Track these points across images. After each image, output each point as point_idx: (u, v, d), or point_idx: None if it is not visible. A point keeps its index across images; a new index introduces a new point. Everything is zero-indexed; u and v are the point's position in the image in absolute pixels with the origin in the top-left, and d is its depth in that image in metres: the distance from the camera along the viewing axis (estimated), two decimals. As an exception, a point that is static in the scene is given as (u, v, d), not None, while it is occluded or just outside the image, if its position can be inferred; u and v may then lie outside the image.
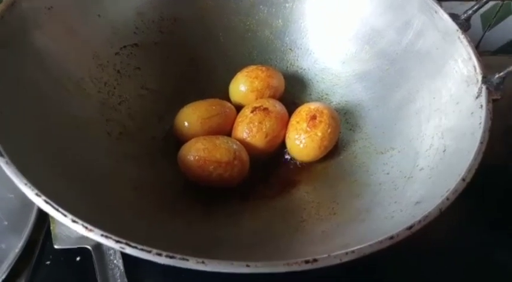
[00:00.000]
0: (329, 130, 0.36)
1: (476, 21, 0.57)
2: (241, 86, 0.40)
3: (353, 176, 0.35)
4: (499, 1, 0.57)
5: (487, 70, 0.31)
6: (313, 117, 0.36)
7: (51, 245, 0.35)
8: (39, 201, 0.22)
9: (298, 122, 0.37)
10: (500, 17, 0.59)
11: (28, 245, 0.34)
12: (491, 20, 0.59)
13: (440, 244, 0.37)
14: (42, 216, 0.36)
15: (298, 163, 0.38)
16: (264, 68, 0.40)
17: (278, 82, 0.41)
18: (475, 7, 0.35)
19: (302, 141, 0.36)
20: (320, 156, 0.37)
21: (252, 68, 0.41)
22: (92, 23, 0.37)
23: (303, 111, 0.37)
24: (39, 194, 0.22)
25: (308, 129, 0.36)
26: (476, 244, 0.38)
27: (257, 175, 0.37)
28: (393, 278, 0.36)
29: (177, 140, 0.37)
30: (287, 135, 0.38)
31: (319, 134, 0.36)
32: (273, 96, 0.40)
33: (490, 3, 0.56)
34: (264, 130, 0.36)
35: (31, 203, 0.36)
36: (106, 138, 0.34)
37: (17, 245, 0.34)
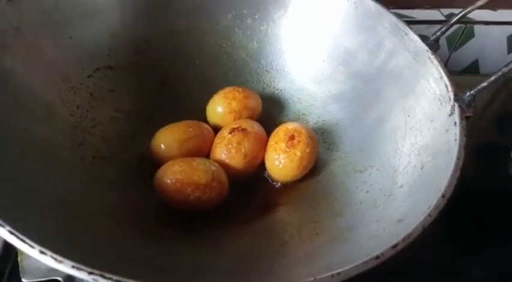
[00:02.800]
0: (308, 150, 0.36)
1: (442, 43, 0.60)
2: (219, 108, 0.40)
3: (333, 195, 0.35)
4: (462, 25, 0.60)
5: (456, 89, 0.32)
6: (292, 137, 0.36)
7: (19, 278, 0.32)
8: (4, 233, 0.20)
9: (276, 143, 0.36)
10: (464, 39, 0.62)
11: (-8, 280, 0.32)
12: (456, 43, 0.62)
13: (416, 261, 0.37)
14: (9, 248, 0.34)
15: (278, 184, 0.38)
16: (240, 89, 0.40)
17: (255, 103, 0.41)
18: (443, 29, 0.36)
19: (281, 161, 0.36)
20: (299, 176, 0.37)
21: (229, 89, 0.41)
22: (63, 45, 0.36)
23: (281, 132, 0.37)
24: (2, 224, 0.20)
25: (287, 149, 0.36)
26: (450, 260, 0.38)
27: (236, 197, 0.36)
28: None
29: (153, 163, 0.36)
30: (266, 156, 0.37)
31: (298, 153, 0.35)
32: (250, 117, 0.40)
33: (454, 27, 0.59)
34: (242, 151, 0.36)
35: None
36: (78, 162, 0.33)
37: (-21, 280, 0.32)
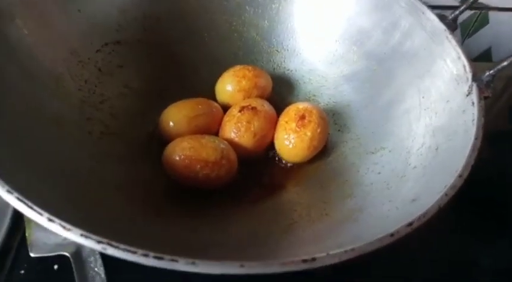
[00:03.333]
0: (318, 130, 0.35)
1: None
2: (228, 86, 0.39)
3: (343, 177, 0.35)
4: (477, 11, 0.58)
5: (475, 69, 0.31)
6: (302, 117, 0.35)
7: (27, 252, 0.32)
8: (12, 199, 0.20)
9: (287, 122, 0.36)
10: (478, 26, 0.60)
11: (1, 254, 0.32)
12: (469, 29, 0.60)
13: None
14: (17, 223, 0.34)
15: (287, 164, 0.37)
16: (251, 68, 0.39)
17: (265, 82, 0.40)
18: (461, 8, 0.35)
19: (291, 141, 0.35)
20: (309, 156, 0.36)
21: (239, 67, 0.40)
22: (71, 18, 0.36)
23: (292, 111, 0.36)
24: (11, 190, 0.20)
25: (297, 129, 0.35)
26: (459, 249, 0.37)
27: (245, 176, 0.35)
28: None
29: (161, 140, 0.35)
30: (276, 135, 0.37)
31: (309, 133, 0.35)
32: (260, 96, 0.39)
33: (468, 13, 0.57)
34: (252, 129, 0.35)
35: (4, 209, 0.34)
36: (87, 137, 0.33)
37: (-12, 254, 0.31)
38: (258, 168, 0.37)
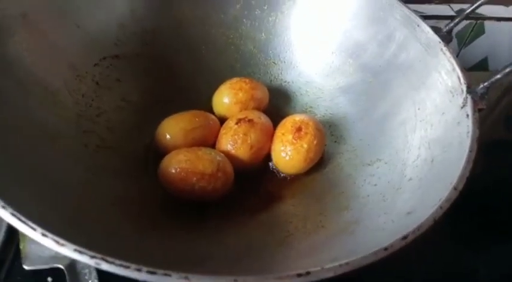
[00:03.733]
0: (315, 142, 0.35)
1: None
2: (225, 98, 0.39)
3: (340, 188, 0.35)
4: (473, 21, 0.59)
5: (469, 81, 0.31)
6: (299, 129, 0.35)
7: (20, 265, 0.32)
8: (6, 215, 0.20)
9: (283, 134, 0.36)
10: (474, 36, 0.61)
11: (-6, 267, 0.32)
12: (465, 39, 0.61)
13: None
14: (11, 236, 0.34)
15: (283, 176, 0.37)
16: (247, 80, 0.40)
17: (262, 94, 0.40)
18: (456, 20, 0.35)
19: (288, 153, 0.35)
20: (306, 168, 0.36)
21: (235, 80, 0.40)
22: (70, 33, 0.36)
23: (288, 123, 0.36)
24: (5, 206, 0.20)
25: (294, 141, 0.35)
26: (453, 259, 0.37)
27: (242, 189, 0.35)
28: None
29: (158, 153, 0.35)
30: (272, 147, 0.37)
31: (305, 145, 0.35)
32: (257, 109, 0.39)
33: (464, 23, 0.58)
34: (248, 142, 0.35)
35: (-2, 222, 0.34)
36: (82, 150, 0.33)
37: (-19, 267, 0.31)
38: (255, 180, 0.37)
